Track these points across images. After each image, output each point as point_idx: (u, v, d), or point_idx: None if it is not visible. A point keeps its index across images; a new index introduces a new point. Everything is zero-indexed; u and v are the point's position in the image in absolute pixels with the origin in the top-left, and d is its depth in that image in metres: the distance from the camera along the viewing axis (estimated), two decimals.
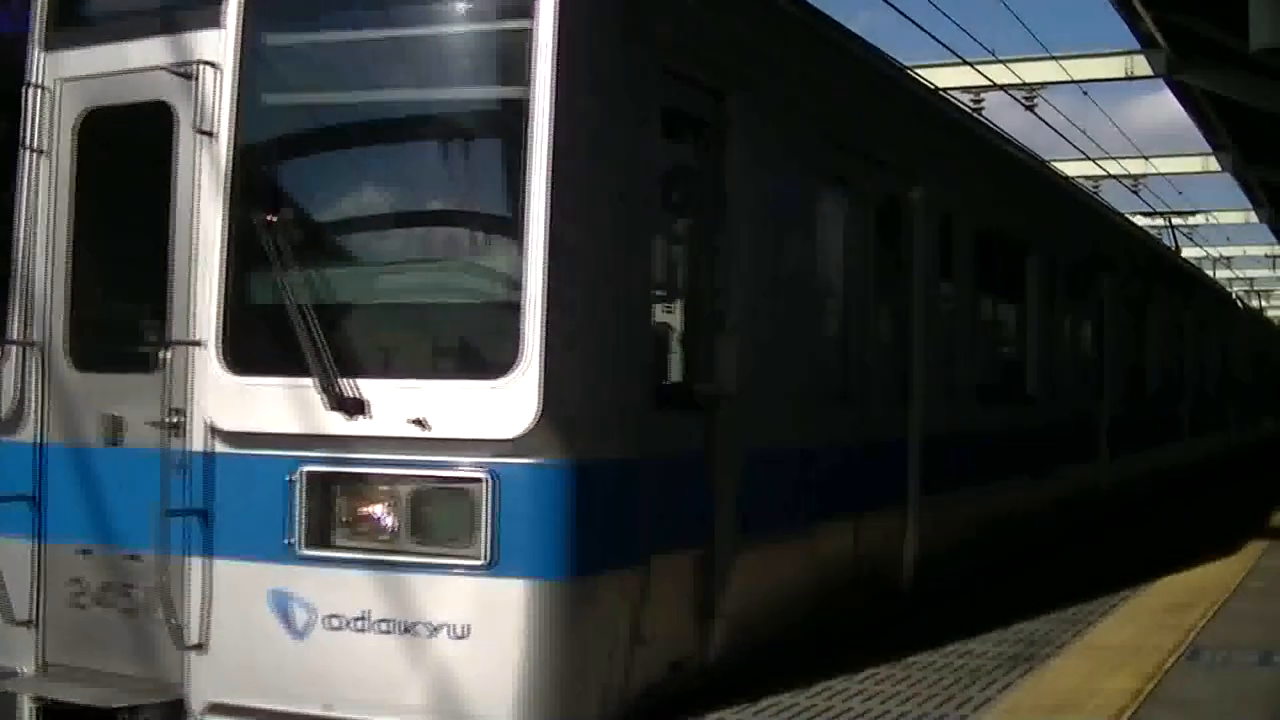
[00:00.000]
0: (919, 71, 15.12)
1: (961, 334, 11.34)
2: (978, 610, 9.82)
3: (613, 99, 6.45)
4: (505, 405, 5.90)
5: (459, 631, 5.94)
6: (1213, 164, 30.44)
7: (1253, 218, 37.53)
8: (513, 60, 6.15)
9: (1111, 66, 23.90)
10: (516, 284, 5.96)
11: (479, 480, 5.95)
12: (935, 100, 12.10)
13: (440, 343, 6.46)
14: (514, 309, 5.95)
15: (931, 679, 7.61)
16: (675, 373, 7.21)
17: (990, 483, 11.85)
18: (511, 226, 6.09)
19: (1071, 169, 24.59)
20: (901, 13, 19.67)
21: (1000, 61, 20.59)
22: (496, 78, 6.47)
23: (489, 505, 5.92)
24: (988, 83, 21.03)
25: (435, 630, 5.96)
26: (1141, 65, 23.06)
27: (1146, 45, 22.33)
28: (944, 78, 19.73)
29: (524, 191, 5.97)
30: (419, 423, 5.94)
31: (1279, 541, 14.50)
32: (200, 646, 6.33)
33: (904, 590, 9.73)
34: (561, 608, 6.00)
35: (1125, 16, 20.77)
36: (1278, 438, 41.53)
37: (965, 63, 19.41)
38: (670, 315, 7.19)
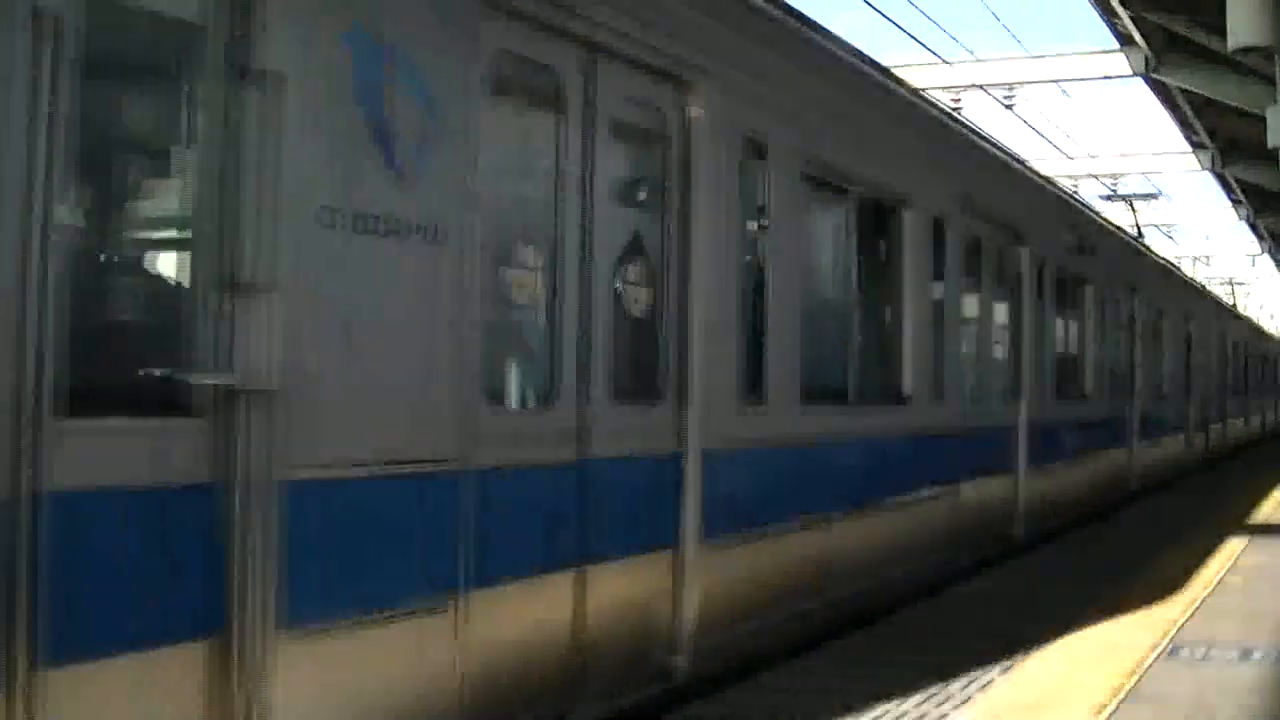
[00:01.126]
0: (898, 72, 15.06)
1: (780, 311, 8.31)
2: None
3: None
4: None
5: None
6: (1193, 162, 30.61)
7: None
8: None
9: (1089, 65, 24.02)
10: None
11: None
12: None
13: None
14: None
15: (912, 675, 7.60)
16: (153, 358, 4.63)
17: (833, 510, 9.05)
18: None
19: (1051, 169, 24.73)
20: (879, 11, 19.72)
21: (980, 61, 20.67)
22: None
23: None
24: (966, 83, 21.09)
25: None
26: (1119, 64, 23.18)
27: (1124, 44, 22.48)
28: (923, 78, 19.79)
29: None
30: None
31: (1258, 538, 14.56)
32: None
33: (675, 674, 7.06)
34: None
35: (1103, 15, 20.90)
36: (1250, 442, 38.42)
37: (944, 62, 19.46)
38: (136, 262, 5.00)
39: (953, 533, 11.47)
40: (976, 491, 12.11)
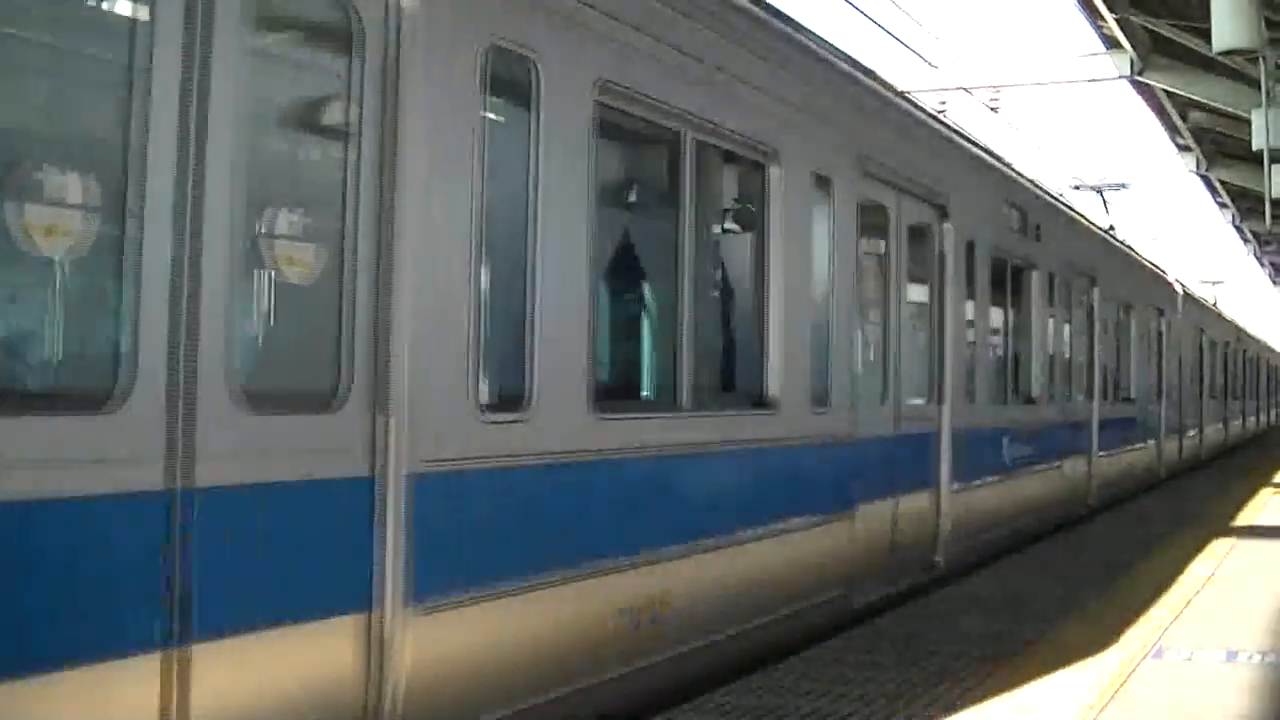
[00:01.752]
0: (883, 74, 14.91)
1: (556, 288, 6.20)
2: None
3: None
4: None
5: None
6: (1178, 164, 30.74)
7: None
8: None
9: (1075, 68, 24.09)
10: None
11: None
12: None
13: None
14: None
15: (898, 678, 7.59)
16: None
17: (650, 548, 6.89)
18: None
19: (1036, 171, 24.80)
20: (864, 14, 19.74)
21: (965, 64, 20.71)
22: None
23: None
24: (952, 85, 21.13)
25: None
26: (1104, 67, 23.26)
27: (1110, 48, 22.57)
28: (908, 81, 19.82)
29: None
30: None
31: (1244, 540, 14.58)
32: None
33: None
34: None
35: (1089, 18, 20.97)
36: (1231, 449, 35.85)
37: (929, 64, 19.48)
38: None
39: (846, 564, 9.33)
40: (879, 514, 9.99)
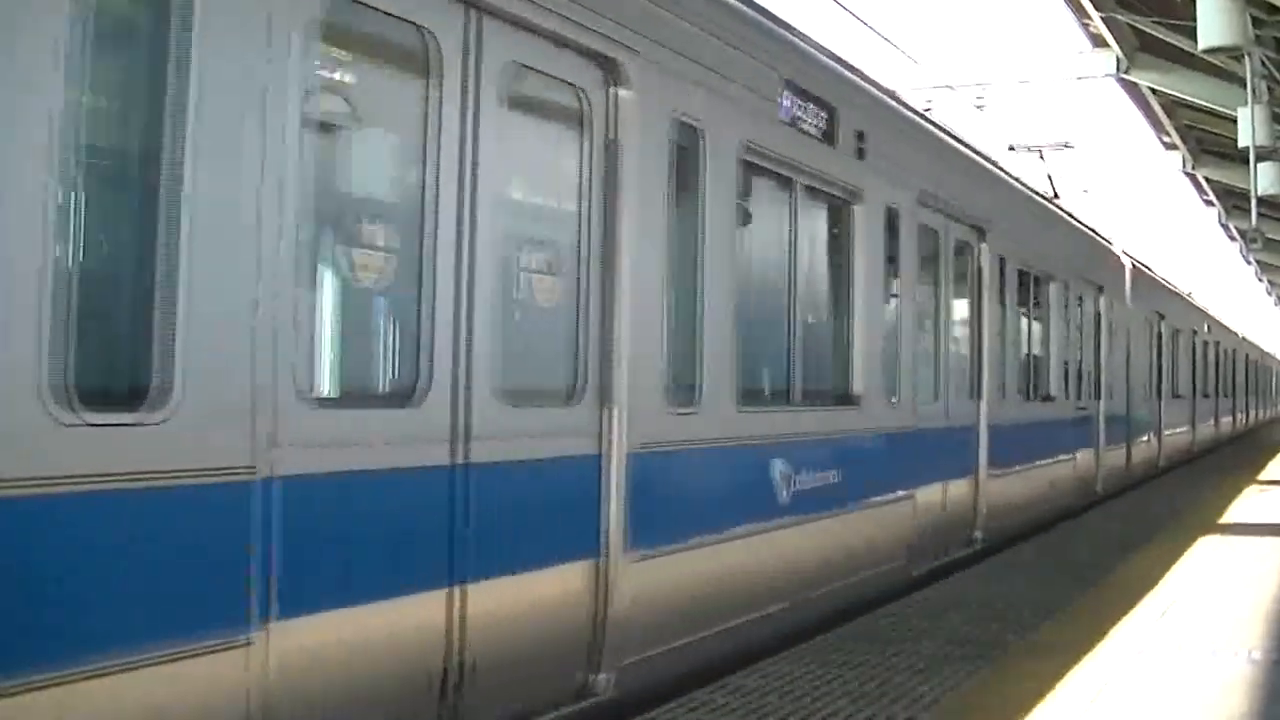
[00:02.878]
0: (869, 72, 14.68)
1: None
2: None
3: None
4: None
5: None
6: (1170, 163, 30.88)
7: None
8: None
9: (1061, 66, 24.19)
10: None
11: None
12: None
13: None
14: None
15: (880, 677, 7.56)
16: None
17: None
18: None
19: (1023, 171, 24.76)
20: (850, 11, 19.76)
21: (950, 61, 20.76)
22: None
23: None
24: (937, 83, 21.21)
25: None
26: (1090, 65, 23.36)
27: (1097, 46, 22.66)
28: (893, 79, 19.87)
29: None
30: None
31: (1226, 538, 14.59)
32: None
33: None
34: None
35: (1076, 16, 21.04)
36: (1194, 455, 30.88)
37: (913, 61, 19.51)
38: None
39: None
40: (391, 621, 5.30)
